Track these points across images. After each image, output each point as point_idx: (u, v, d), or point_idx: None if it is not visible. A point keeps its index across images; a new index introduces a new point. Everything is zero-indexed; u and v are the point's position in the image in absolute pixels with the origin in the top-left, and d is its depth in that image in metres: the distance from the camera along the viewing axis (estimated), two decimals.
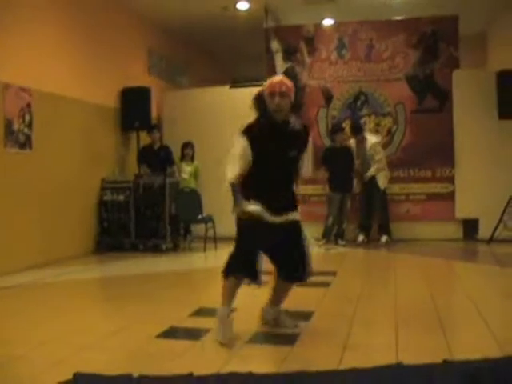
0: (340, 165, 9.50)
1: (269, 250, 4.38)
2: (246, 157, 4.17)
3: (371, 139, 9.80)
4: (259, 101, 4.22)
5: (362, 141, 9.80)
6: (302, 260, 4.36)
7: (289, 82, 4.20)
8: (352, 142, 9.96)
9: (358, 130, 9.91)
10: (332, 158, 9.50)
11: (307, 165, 4.42)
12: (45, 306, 5.60)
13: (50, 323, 4.87)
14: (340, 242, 9.71)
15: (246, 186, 4.28)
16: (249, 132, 4.17)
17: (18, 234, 7.52)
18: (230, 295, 4.44)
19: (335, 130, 9.94)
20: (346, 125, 10.32)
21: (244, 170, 4.21)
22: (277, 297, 4.63)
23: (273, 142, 4.16)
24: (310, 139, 4.44)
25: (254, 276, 4.38)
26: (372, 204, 9.80)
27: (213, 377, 3.26)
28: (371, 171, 9.67)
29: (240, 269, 4.41)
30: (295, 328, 4.46)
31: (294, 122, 4.26)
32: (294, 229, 4.35)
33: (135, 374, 3.26)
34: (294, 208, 4.37)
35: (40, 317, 5.14)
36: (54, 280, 7.01)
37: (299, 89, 10.63)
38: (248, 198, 4.26)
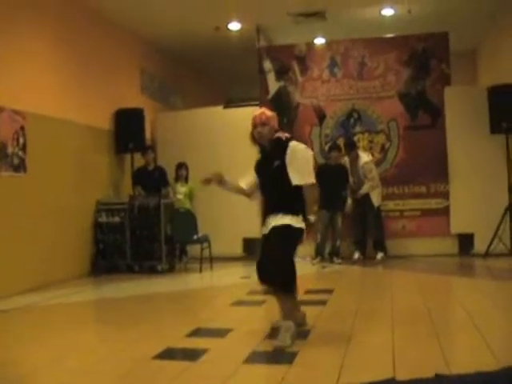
0: (332, 183, 9.42)
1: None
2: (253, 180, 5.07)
3: (363, 157, 9.83)
4: (251, 134, 4.94)
5: (355, 158, 9.84)
6: (273, 262, 4.62)
7: (268, 112, 4.91)
8: (346, 160, 10.00)
9: (351, 147, 9.94)
10: (325, 175, 9.48)
11: (296, 172, 4.73)
12: (39, 330, 5.57)
13: (45, 347, 4.84)
14: (336, 259, 9.71)
15: None
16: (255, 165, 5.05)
17: (12, 257, 7.49)
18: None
19: (331, 147, 9.96)
20: (340, 142, 10.36)
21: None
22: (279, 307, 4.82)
23: (262, 159, 4.97)
24: (295, 149, 4.77)
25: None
26: (366, 221, 9.82)
27: None
28: (364, 189, 9.70)
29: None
30: (279, 348, 4.41)
31: (279, 138, 4.85)
32: (274, 232, 4.71)
33: None
34: (280, 212, 4.73)
35: (34, 340, 5.11)
36: (49, 303, 6.98)
37: (292, 107, 10.71)
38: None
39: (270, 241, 4.74)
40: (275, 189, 4.82)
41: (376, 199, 9.75)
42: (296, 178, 4.71)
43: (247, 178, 5.08)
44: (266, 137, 4.83)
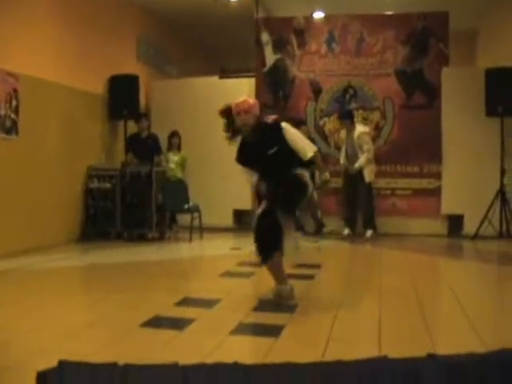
0: None
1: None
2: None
3: (359, 128, 9.77)
4: (226, 114, 5.03)
5: (351, 129, 9.75)
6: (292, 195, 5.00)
7: (250, 100, 5.04)
8: (342, 132, 9.94)
9: (346, 115, 9.85)
10: None
11: (302, 148, 4.97)
12: (27, 293, 5.56)
13: (32, 311, 4.84)
14: (324, 230, 9.72)
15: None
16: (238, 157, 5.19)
17: (1, 220, 7.47)
18: None
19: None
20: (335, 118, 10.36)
21: None
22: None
23: (250, 147, 5.03)
24: (288, 127, 5.02)
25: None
26: (357, 197, 9.79)
27: (198, 366, 3.26)
28: (360, 161, 9.61)
29: None
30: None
31: (267, 124, 5.01)
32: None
33: (120, 363, 3.25)
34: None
35: (22, 304, 5.10)
36: (38, 267, 6.98)
37: (289, 81, 10.65)
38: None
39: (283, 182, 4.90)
40: (281, 171, 4.93)
41: (368, 175, 9.69)
42: (306, 152, 4.96)
43: (250, 175, 5.15)
44: (250, 124, 4.93)
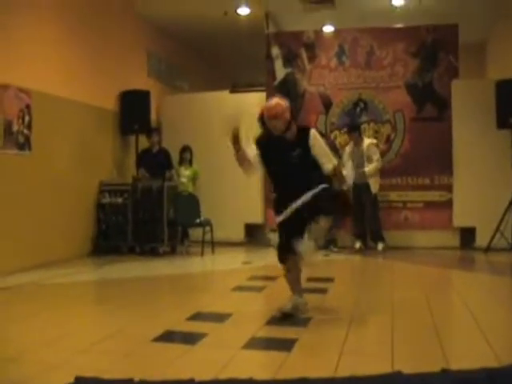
0: None
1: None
2: (254, 159, 5.04)
3: (367, 140, 9.79)
4: (261, 119, 5.00)
5: (359, 142, 9.77)
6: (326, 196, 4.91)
7: (282, 103, 4.92)
8: (349, 146, 9.94)
9: (355, 128, 9.89)
10: None
11: (323, 158, 4.94)
12: (40, 308, 5.59)
13: (45, 326, 4.86)
14: (332, 248, 9.69)
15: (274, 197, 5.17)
16: (257, 141, 5.10)
17: (14, 235, 7.51)
18: None
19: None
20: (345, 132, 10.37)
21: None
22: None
23: (274, 148, 4.97)
24: (315, 136, 5.00)
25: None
26: (364, 210, 9.76)
27: (214, 383, 3.26)
28: (371, 167, 9.62)
29: None
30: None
31: (293, 130, 4.98)
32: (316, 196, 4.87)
33: (136, 379, 3.25)
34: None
35: (35, 319, 5.13)
36: (50, 282, 7.00)
37: (299, 95, 10.66)
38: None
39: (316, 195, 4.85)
40: (300, 176, 4.88)
41: (374, 186, 9.70)
42: (327, 163, 4.93)
43: (252, 152, 5.06)
44: (280, 129, 4.90)
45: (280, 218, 4.98)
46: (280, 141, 4.95)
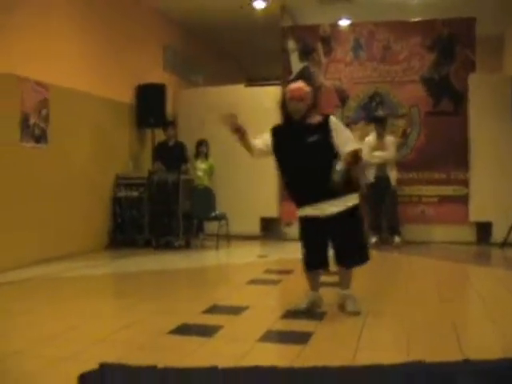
0: None
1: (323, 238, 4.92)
2: (267, 143, 4.95)
3: (389, 137, 9.81)
4: (282, 104, 4.90)
5: (382, 135, 9.79)
6: (358, 245, 4.99)
7: (306, 88, 4.88)
8: (371, 137, 9.88)
9: (381, 120, 9.92)
10: None
11: (347, 141, 4.80)
12: (57, 300, 5.64)
13: (62, 317, 4.91)
14: None
15: (288, 191, 5.09)
16: (273, 129, 5.02)
17: (31, 228, 7.57)
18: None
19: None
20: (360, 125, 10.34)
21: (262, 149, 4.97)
22: (341, 281, 5.12)
23: (291, 134, 4.86)
24: (336, 121, 4.90)
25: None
26: (383, 203, 9.74)
27: (238, 369, 3.28)
28: (381, 154, 9.66)
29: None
30: (356, 314, 4.82)
31: (314, 118, 4.85)
32: (347, 217, 4.81)
33: (160, 366, 3.28)
34: (339, 194, 4.74)
35: (52, 310, 5.18)
36: (67, 274, 7.06)
37: (315, 89, 10.62)
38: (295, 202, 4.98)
39: (344, 225, 4.81)
40: (324, 169, 4.61)
41: (393, 179, 9.73)
42: (347, 145, 4.76)
43: (263, 140, 4.98)
44: (301, 112, 4.79)
45: (302, 214, 4.91)
46: (298, 126, 4.83)
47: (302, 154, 4.75)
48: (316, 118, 4.85)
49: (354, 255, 4.93)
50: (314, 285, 5.09)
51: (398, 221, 9.84)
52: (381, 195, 9.70)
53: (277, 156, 4.95)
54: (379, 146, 9.72)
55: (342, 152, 4.71)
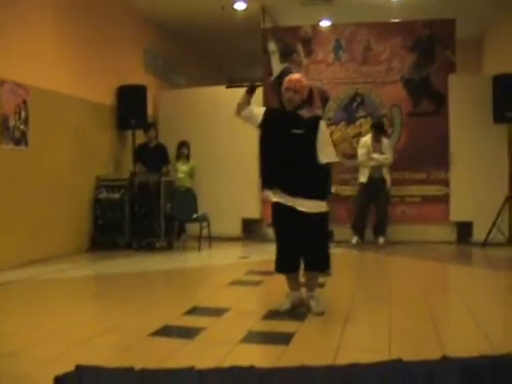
0: None
1: (294, 234, 4.91)
2: (257, 117, 5.02)
3: (385, 141, 9.90)
4: (276, 85, 5.16)
5: (380, 139, 9.85)
6: (320, 252, 4.96)
7: (304, 81, 4.99)
8: (367, 138, 9.94)
9: (380, 125, 9.95)
10: None
11: (327, 151, 4.87)
12: (36, 303, 5.59)
13: (42, 320, 4.86)
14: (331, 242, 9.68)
15: (262, 170, 5.10)
16: (267, 110, 5.12)
17: (11, 230, 7.50)
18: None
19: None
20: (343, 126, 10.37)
21: (247, 116, 5.06)
22: (306, 283, 5.11)
23: (279, 121, 4.90)
24: (325, 127, 4.96)
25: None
26: (377, 204, 9.81)
27: (214, 370, 3.26)
28: (380, 156, 9.76)
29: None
30: (320, 314, 4.87)
31: (305, 113, 4.93)
32: (313, 222, 4.83)
33: (137, 368, 3.26)
34: (311, 196, 4.81)
35: (32, 314, 5.12)
36: (46, 277, 7.00)
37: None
38: (264, 181, 5.06)
39: (309, 230, 4.84)
40: (301, 164, 4.79)
41: (388, 181, 9.83)
42: (327, 156, 4.86)
43: (255, 112, 5.07)
44: (294, 103, 4.87)
45: (273, 199, 4.91)
46: (289, 116, 4.90)
47: (285, 142, 4.80)
48: (307, 115, 4.92)
49: (319, 260, 4.97)
50: (293, 285, 5.08)
51: (386, 222, 9.90)
52: (373, 196, 9.76)
53: (261, 134, 5.05)
54: (375, 147, 9.77)
55: (319, 158, 4.81)
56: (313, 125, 4.85)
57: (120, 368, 3.19)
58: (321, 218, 4.87)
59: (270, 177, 4.95)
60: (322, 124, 4.90)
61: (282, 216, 4.91)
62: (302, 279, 5.15)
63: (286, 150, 4.79)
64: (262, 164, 5.10)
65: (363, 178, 9.84)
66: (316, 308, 4.93)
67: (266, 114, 5.01)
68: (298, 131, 4.77)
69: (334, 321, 4.68)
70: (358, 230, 9.91)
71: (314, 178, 4.84)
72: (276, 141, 4.85)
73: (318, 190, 4.86)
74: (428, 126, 10.14)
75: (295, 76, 5.03)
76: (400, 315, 4.89)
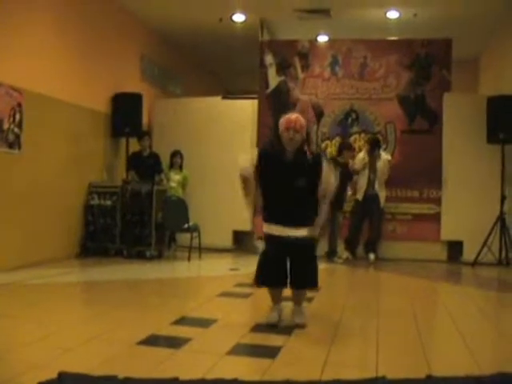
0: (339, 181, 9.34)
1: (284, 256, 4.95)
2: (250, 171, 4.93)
3: (384, 156, 9.93)
4: (275, 130, 4.96)
5: (377, 156, 9.86)
6: (309, 272, 4.97)
7: (303, 120, 4.88)
8: (363, 156, 9.95)
9: (376, 144, 9.95)
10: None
11: (327, 182, 4.87)
12: (24, 308, 5.55)
13: (29, 325, 4.83)
14: (336, 259, 9.66)
15: (258, 202, 5.06)
16: (262, 153, 4.98)
17: (1, 234, 7.46)
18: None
19: (345, 146, 9.90)
20: (337, 142, 10.39)
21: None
22: (293, 298, 5.14)
23: (281, 169, 4.83)
24: (326, 164, 4.93)
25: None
26: (371, 221, 9.84)
27: (198, 382, 3.25)
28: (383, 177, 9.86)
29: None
30: (301, 326, 4.91)
31: (306, 153, 4.90)
32: (304, 246, 4.88)
33: (120, 376, 3.24)
34: (305, 224, 4.84)
35: (19, 318, 5.09)
36: (36, 282, 6.96)
37: (291, 103, 10.66)
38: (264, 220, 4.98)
39: (299, 253, 4.88)
40: (298, 201, 4.81)
41: (383, 200, 9.85)
42: (325, 188, 4.87)
43: (249, 166, 4.95)
44: (296, 144, 4.80)
45: (268, 231, 4.93)
46: (291, 163, 4.84)
47: (288, 193, 4.78)
48: (307, 155, 4.88)
49: (306, 280, 4.98)
50: (275, 298, 5.08)
51: (379, 239, 9.91)
52: (368, 213, 9.77)
53: (261, 181, 4.91)
54: (371, 161, 9.78)
55: (319, 190, 4.83)
56: (316, 166, 4.83)
57: (103, 376, 3.18)
58: (311, 242, 4.94)
59: (269, 214, 4.94)
60: (324, 163, 4.90)
61: (274, 243, 4.95)
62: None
63: (289, 199, 4.80)
64: (259, 197, 5.02)
65: (359, 195, 9.86)
66: (299, 319, 4.95)
67: (260, 158, 4.92)
68: (302, 184, 4.75)
69: (322, 336, 4.67)
70: (351, 246, 9.92)
71: (311, 209, 4.88)
72: (277, 190, 4.84)
73: (312, 217, 4.88)
74: (421, 144, 10.17)
75: (294, 115, 4.89)
76: (388, 332, 4.88)
